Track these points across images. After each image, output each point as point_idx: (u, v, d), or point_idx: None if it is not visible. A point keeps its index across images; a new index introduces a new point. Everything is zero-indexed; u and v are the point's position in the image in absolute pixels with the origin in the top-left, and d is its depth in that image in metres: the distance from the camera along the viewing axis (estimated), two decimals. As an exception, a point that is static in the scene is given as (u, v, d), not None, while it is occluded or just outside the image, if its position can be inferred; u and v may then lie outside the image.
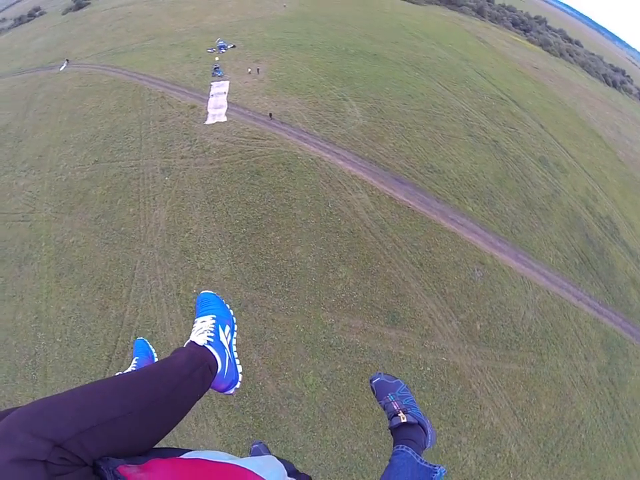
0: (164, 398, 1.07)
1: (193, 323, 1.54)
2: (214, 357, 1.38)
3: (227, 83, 28.35)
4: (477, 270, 18.92)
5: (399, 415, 1.40)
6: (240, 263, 16.87)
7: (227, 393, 1.47)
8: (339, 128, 25.34)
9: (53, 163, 24.09)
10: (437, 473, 1.17)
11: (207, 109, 25.82)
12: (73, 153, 24.21)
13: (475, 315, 17.18)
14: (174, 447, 1.18)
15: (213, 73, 29.17)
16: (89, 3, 51.87)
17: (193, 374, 1.23)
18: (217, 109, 26.00)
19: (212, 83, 28.24)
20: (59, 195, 22.13)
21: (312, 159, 22.54)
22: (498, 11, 68.30)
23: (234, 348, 1.56)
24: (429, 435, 1.39)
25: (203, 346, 1.39)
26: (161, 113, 25.56)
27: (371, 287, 16.68)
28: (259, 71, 29.18)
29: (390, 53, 35.53)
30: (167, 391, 1.09)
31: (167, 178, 21.69)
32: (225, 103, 26.41)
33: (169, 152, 22.93)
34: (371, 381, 1.63)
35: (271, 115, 24.76)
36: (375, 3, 52.83)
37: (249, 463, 1.04)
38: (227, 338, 1.51)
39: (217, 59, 30.80)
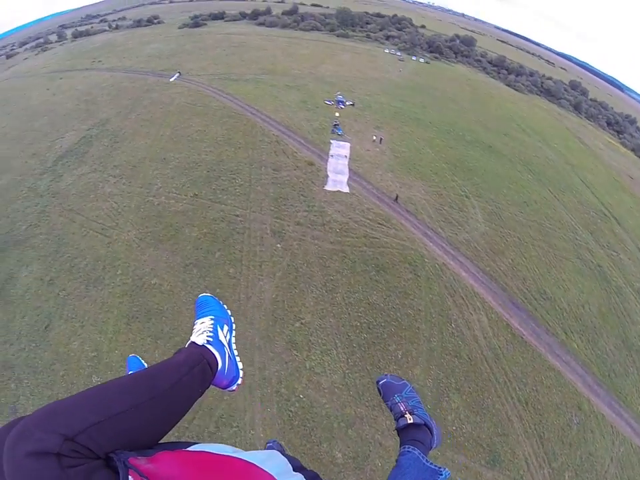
0: (165, 393, 1.11)
1: (193, 325, 1.56)
2: (213, 355, 1.41)
3: (348, 145, 26.08)
4: (575, 415, 17.15)
5: (405, 415, 1.40)
6: (355, 373, 14.43)
7: (229, 389, 1.50)
8: (463, 231, 22.43)
9: (147, 179, 21.25)
10: (442, 475, 1.17)
11: (326, 171, 23.20)
12: (171, 175, 21.41)
13: (565, 464, 15.28)
14: (182, 440, 1.21)
15: (332, 130, 27.08)
16: (205, 24, 53.55)
17: (192, 371, 1.26)
18: (337, 174, 23.35)
19: (332, 141, 25.98)
20: (147, 220, 19.02)
21: (437, 265, 19.39)
22: (594, 108, 67.82)
23: (233, 346, 1.58)
24: (435, 436, 1.37)
25: (202, 345, 1.42)
26: (274, 161, 22.96)
27: (480, 422, 15.03)
28: (382, 140, 27.00)
29: (503, 146, 33.89)
30: (167, 386, 1.13)
31: (278, 245, 18.34)
32: (346, 169, 23.84)
33: (282, 212, 19.87)
34: (377, 382, 1.61)
35: (397, 198, 21.91)
36: (480, 85, 52.81)
37: (252, 456, 1.07)
38: (225, 337, 1.54)
39: (337, 114, 28.95)
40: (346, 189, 22.47)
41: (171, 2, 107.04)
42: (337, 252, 18.25)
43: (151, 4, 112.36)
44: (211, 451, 1.06)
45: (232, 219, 19.10)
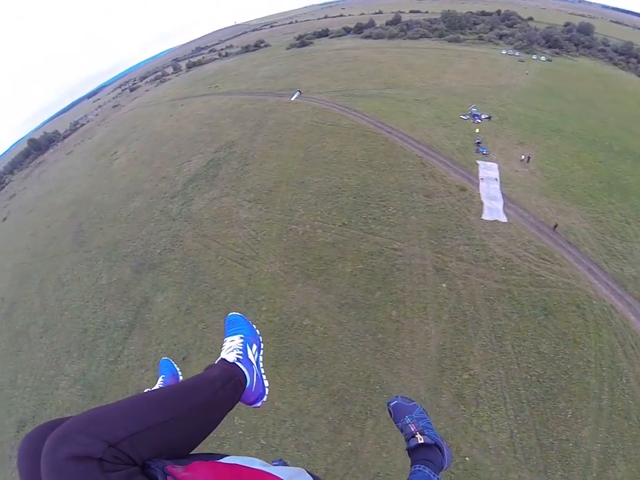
0: (200, 406, 1.15)
1: (222, 343, 1.59)
2: (243, 372, 1.46)
3: (496, 166, 22.53)
4: None
5: (416, 436, 1.41)
6: (523, 432, 12.65)
7: (254, 405, 1.53)
8: (628, 266, 17.55)
9: (286, 204, 20.24)
10: None
11: (481, 198, 20.08)
12: (313, 201, 20.11)
13: None
14: (212, 452, 1.18)
15: (477, 149, 23.75)
16: (311, 42, 54.33)
17: (225, 386, 1.32)
18: (491, 200, 20.06)
19: (478, 162, 22.68)
20: (292, 251, 17.63)
21: (606, 307, 15.71)
22: None
23: (261, 365, 1.61)
24: (446, 456, 1.38)
25: (233, 363, 1.47)
26: (424, 185, 20.42)
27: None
28: (529, 159, 22.94)
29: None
30: (203, 400, 1.18)
31: (443, 284, 15.77)
32: (500, 195, 20.43)
33: (443, 246, 17.16)
34: (388, 403, 1.63)
35: (555, 226, 18.46)
36: (611, 80, 44.66)
37: (281, 472, 1.09)
38: (254, 355, 1.59)
39: (477, 130, 25.54)
40: (504, 218, 19.09)
41: (271, 27, 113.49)
42: (504, 292, 15.33)
43: (253, 31, 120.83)
44: (243, 464, 1.08)
45: (390, 253, 16.93)
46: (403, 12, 71.35)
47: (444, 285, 15.79)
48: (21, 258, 28.33)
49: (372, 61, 40.98)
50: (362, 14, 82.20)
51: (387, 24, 58.01)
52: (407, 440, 1.42)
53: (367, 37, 54.20)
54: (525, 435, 12.57)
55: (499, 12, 64.34)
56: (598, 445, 12.92)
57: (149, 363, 15.54)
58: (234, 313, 1.74)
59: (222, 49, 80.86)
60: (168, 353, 15.08)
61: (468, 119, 27.29)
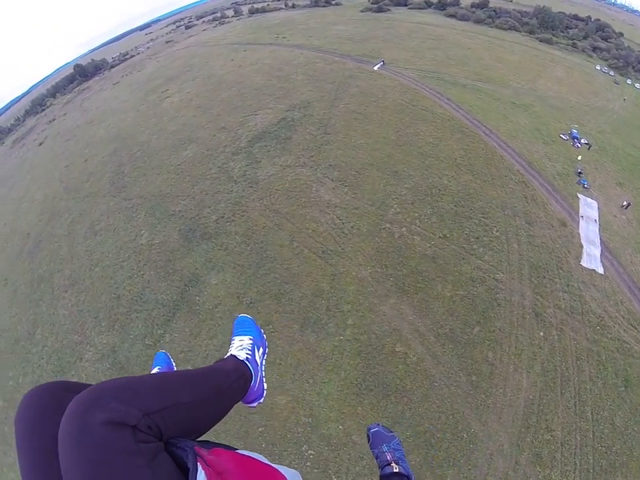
0: (219, 394, 1.23)
1: (231, 340, 1.66)
2: (250, 371, 1.51)
3: (596, 205, 20.48)
4: None
5: (391, 464, 1.51)
6: None
7: (251, 405, 1.58)
8: None
9: (378, 196, 17.86)
10: None
11: (580, 240, 18.25)
12: (410, 200, 17.75)
13: None
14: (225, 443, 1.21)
15: (578, 180, 21.57)
16: (389, 10, 49.14)
17: (238, 380, 1.40)
18: (590, 244, 18.18)
19: (579, 196, 20.59)
20: (386, 256, 15.40)
21: None
22: None
23: (264, 368, 1.68)
24: None
25: (243, 360, 1.52)
26: (526, 210, 18.31)
27: None
28: (629, 206, 21.02)
29: None
30: (223, 388, 1.27)
31: (541, 333, 14.34)
32: (598, 240, 18.57)
33: (543, 287, 15.39)
34: (368, 429, 1.72)
35: None
36: None
37: (285, 471, 1.16)
38: (260, 358, 1.64)
39: (579, 157, 23.18)
40: (601, 269, 17.31)
41: None
42: (593, 354, 14.05)
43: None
44: (258, 459, 1.14)
45: (492, 283, 15.10)
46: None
47: (541, 333, 14.30)
48: (53, 191, 25.57)
49: (459, 45, 36.85)
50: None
51: (472, 6, 52.30)
52: (382, 467, 1.53)
53: (450, 16, 48.88)
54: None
55: (595, 20, 58.72)
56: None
57: (197, 358, 13.27)
58: (244, 314, 1.80)
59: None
60: (221, 353, 13.14)
61: (568, 140, 24.74)
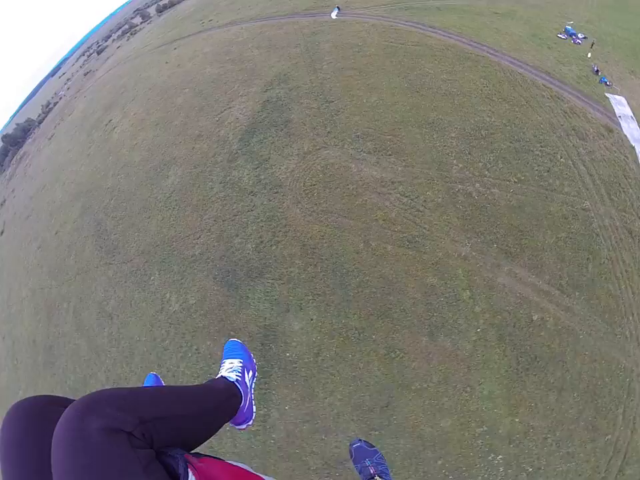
0: (211, 411, 1.28)
1: (221, 363, 1.72)
2: (240, 393, 1.55)
3: (624, 100, 19.49)
4: None
5: (375, 478, 1.55)
6: None
7: (239, 427, 1.59)
8: None
9: (429, 156, 15.30)
10: None
11: (630, 141, 17.28)
12: (465, 149, 15.27)
13: None
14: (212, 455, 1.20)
15: (599, 80, 20.31)
16: None
17: (228, 400, 1.45)
18: (637, 142, 17.45)
19: (607, 96, 19.43)
20: (474, 220, 13.50)
21: None
22: None
23: (253, 391, 1.71)
24: None
25: (233, 382, 1.57)
26: (572, 125, 16.83)
27: None
28: None
29: None
30: (213, 406, 1.31)
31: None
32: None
33: (622, 203, 14.20)
34: (351, 445, 1.78)
35: None
36: None
37: None
38: (249, 381, 1.67)
39: (588, 55, 21.82)
40: None
41: None
42: None
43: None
44: (246, 468, 1.19)
45: (582, 215, 13.62)
46: None
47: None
48: (38, 281, 20.89)
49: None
50: None
51: None
52: None
53: None
54: None
55: None
56: None
57: (330, 423, 11.02)
58: (234, 339, 1.86)
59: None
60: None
61: (567, 39, 23.18)
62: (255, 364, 1.82)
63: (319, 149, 16.58)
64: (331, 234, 13.81)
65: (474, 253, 12.84)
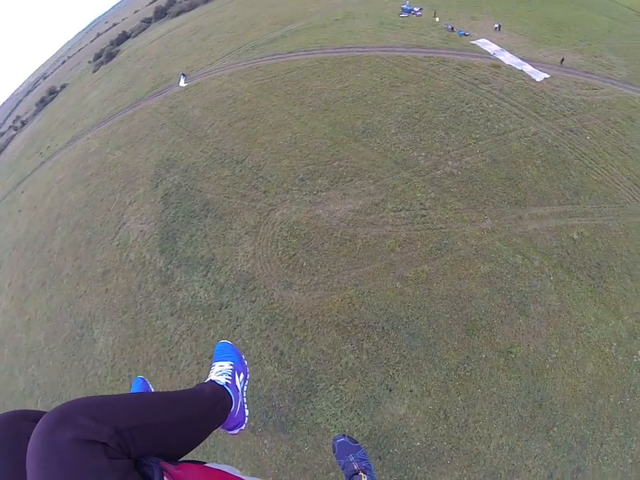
0: (196, 417, 1.18)
1: (211, 366, 1.61)
2: (230, 397, 1.45)
3: (487, 40, 21.10)
4: None
5: (359, 473, 1.50)
6: None
7: (232, 432, 1.51)
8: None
9: (385, 159, 13.51)
10: None
11: (518, 67, 18.36)
12: (413, 137, 14.02)
13: None
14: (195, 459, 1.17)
15: (459, 34, 21.65)
16: (118, 51, 41.18)
17: (216, 405, 1.34)
18: (521, 65, 18.75)
19: (473, 42, 20.79)
20: (458, 194, 12.20)
21: None
22: None
23: (245, 394, 1.61)
24: None
25: (222, 386, 1.47)
26: (470, 77, 17.32)
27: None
28: (500, 27, 22.49)
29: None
30: (198, 412, 1.21)
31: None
32: (519, 59, 19.29)
33: (550, 112, 15.18)
34: (334, 440, 1.74)
35: (562, 60, 19.03)
36: None
37: None
38: (240, 384, 1.58)
39: (437, 19, 23.41)
40: (541, 76, 18.15)
41: (63, 62, 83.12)
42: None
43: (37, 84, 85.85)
44: (229, 472, 1.12)
45: (536, 138, 13.88)
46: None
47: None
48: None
49: (223, 19, 33.04)
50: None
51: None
52: (350, 476, 1.52)
53: (178, 14, 43.89)
54: None
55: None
56: None
57: None
58: (224, 340, 1.74)
59: (14, 123, 56.11)
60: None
61: (408, 15, 24.65)
62: (247, 365, 1.68)
63: (268, 215, 13.32)
64: (357, 295, 10.66)
65: (495, 221, 11.61)
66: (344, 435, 1.75)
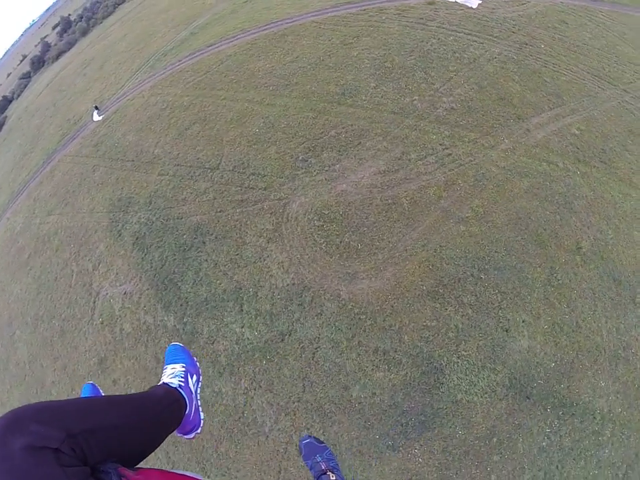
0: (149, 420, 1.12)
1: (163, 369, 1.55)
2: (184, 399, 1.40)
3: None
4: None
5: (327, 473, 1.47)
6: None
7: (187, 436, 1.47)
8: None
9: (382, 113, 12.01)
10: None
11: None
12: (397, 85, 12.90)
13: None
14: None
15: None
16: (5, 117, 35.73)
17: (170, 407, 1.29)
18: None
19: None
20: (471, 125, 11.46)
21: None
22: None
23: (199, 396, 1.57)
24: None
25: (175, 388, 1.42)
26: (416, 17, 16.66)
27: None
28: None
29: None
30: (151, 415, 1.14)
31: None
32: None
33: (494, 31, 15.53)
34: (300, 441, 1.71)
35: None
36: None
37: None
38: (193, 386, 1.53)
39: None
40: (479, 1, 18.21)
41: None
42: None
43: None
44: (192, 476, 1.06)
45: (502, 57, 14.03)
46: None
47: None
48: None
49: (112, 42, 29.26)
50: None
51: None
52: (317, 477, 1.49)
53: (58, 57, 38.13)
54: None
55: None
56: None
57: None
58: (175, 343, 1.67)
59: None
60: None
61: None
62: (199, 368, 1.61)
63: (284, 211, 11.17)
64: (431, 255, 9.55)
65: (511, 140, 11.61)
66: (310, 436, 1.69)
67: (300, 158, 11.77)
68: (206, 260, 11.39)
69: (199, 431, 1.49)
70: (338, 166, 11.19)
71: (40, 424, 0.71)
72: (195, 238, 12.03)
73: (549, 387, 8.23)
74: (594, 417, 8.06)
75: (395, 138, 11.60)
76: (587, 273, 9.51)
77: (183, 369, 1.53)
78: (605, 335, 8.85)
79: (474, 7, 17.70)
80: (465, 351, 8.32)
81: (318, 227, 10.17)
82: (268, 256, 10.31)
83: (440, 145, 11.44)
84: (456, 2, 18.24)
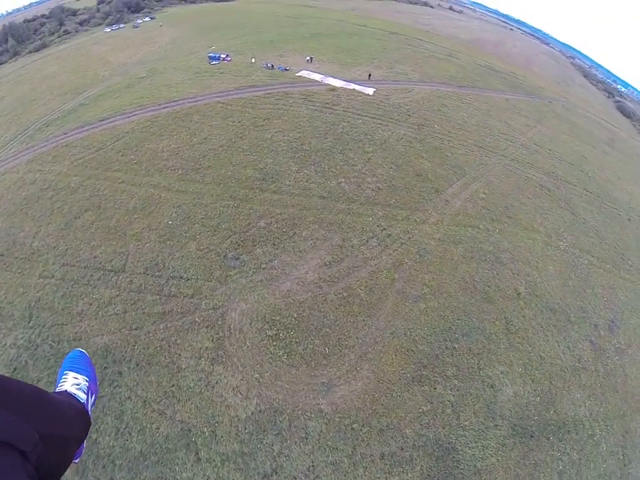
0: (78, 435, 1.07)
1: (62, 374, 1.40)
2: (90, 419, 1.28)
3: (307, 71, 22.45)
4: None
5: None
6: None
7: (75, 461, 1.17)
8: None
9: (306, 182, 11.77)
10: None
11: (349, 86, 20.33)
12: (318, 159, 12.88)
13: None
14: None
15: (280, 69, 22.16)
16: None
17: (84, 423, 1.19)
18: (347, 85, 20.83)
19: (300, 74, 21.89)
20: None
21: None
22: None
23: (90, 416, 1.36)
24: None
25: (84, 404, 1.31)
26: (322, 102, 18.15)
27: None
28: (312, 60, 24.18)
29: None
30: (79, 427, 1.09)
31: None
32: (342, 81, 21.46)
33: (393, 114, 17.40)
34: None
35: (370, 76, 22.56)
36: None
37: None
38: (90, 406, 1.37)
39: (253, 60, 23.40)
40: (374, 89, 20.92)
41: None
42: None
43: None
44: None
45: (402, 138, 15.00)
46: None
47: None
48: None
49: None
50: None
51: None
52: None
53: None
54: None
55: None
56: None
57: None
58: (79, 349, 1.54)
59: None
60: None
61: (219, 62, 23.44)
62: (98, 388, 1.45)
63: (223, 322, 9.33)
64: (407, 340, 8.74)
65: (437, 212, 13.07)
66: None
67: (229, 255, 10.31)
68: (129, 397, 8.52)
69: (81, 455, 1.22)
70: (276, 262, 10.11)
71: (14, 413, 0.60)
72: (105, 367, 9.03)
73: (543, 418, 8.72)
74: (583, 425, 8.80)
75: (331, 224, 11.25)
76: (531, 312, 10.73)
77: (87, 384, 1.36)
78: (562, 356, 10.03)
79: (370, 93, 20.09)
80: (467, 420, 8.20)
81: (271, 336, 8.66)
82: (217, 382, 8.22)
83: (377, 226, 11.53)
84: (354, 89, 20.53)
